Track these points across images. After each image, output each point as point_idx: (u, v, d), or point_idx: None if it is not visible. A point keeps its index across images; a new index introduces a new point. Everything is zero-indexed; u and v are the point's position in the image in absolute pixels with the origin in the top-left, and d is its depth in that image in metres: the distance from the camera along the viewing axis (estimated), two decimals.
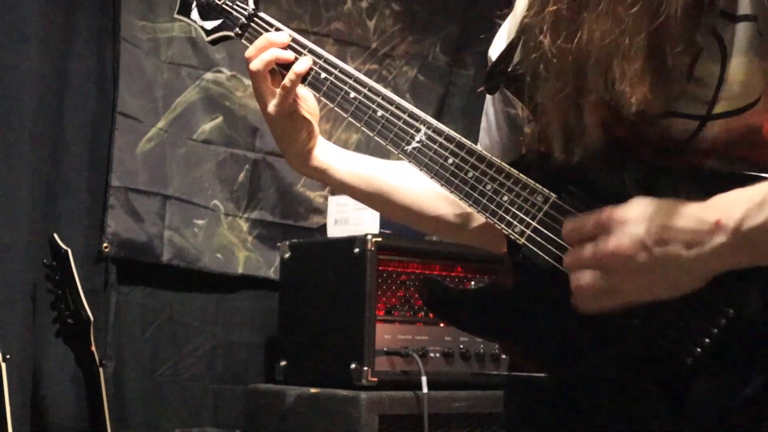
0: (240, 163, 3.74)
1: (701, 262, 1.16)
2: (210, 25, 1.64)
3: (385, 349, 3.15)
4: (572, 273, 1.23)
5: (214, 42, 1.66)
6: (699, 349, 1.19)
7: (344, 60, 4.07)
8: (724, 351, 1.18)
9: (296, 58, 1.53)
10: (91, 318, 2.85)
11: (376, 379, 3.10)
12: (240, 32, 1.60)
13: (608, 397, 1.25)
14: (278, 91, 1.51)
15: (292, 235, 3.71)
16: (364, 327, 3.12)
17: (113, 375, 3.32)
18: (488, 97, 1.58)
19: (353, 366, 3.11)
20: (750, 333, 1.18)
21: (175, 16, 1.68)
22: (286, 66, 1.53)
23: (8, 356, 2.63)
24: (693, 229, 1.15)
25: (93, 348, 2.84)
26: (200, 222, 3.62)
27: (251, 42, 1.57)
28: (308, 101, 1.57)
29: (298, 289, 3.43)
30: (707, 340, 1.19)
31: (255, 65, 1.51)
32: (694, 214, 1.16)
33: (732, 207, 1.15)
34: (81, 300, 2.84)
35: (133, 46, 3.45)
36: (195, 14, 1.65)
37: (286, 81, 1.51)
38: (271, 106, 1.51)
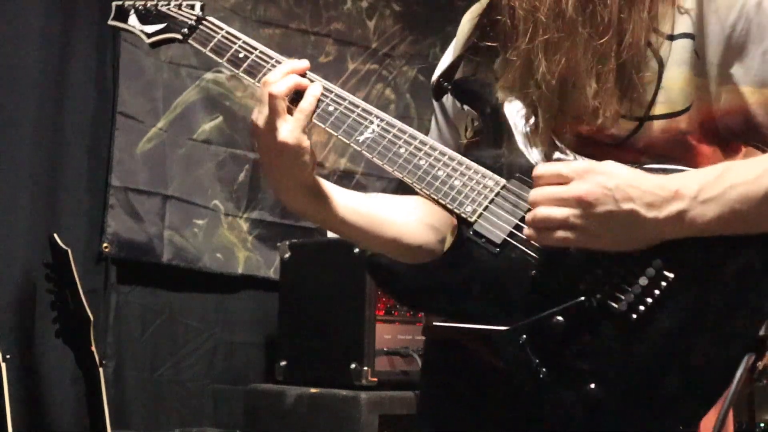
0: (240, 163, 3.74)
1: (656, 224, 1.32)
2: (151, 29, 1.68)
3: (385, 349, 3.15)
4: (539, 205, 1.35)
5: (154, 45, 1.68)
6: (642, 308, 1.33)
7: (344, 60, 4.09)
8: (666, 309, 1.33)
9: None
10: (91, 318, 2.85)
11: (376, 379, 3.10)
12: (188, 33, 1.65)
13: (554, 350, 1.36)
14: (293, 116, 1.51)
15: (292, 235, 3.71)
16: (364, 327, 3.12)
17: (113, 375, 3.33)
18: (436, 107, 1.71)
19: (353, 366, 3.11)
20: (686, 294, 1.33)
21: (110, 23, 1.72)
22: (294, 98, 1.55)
23: (8, 356, 2.63)
24: (655, 193, 1.32)
25: (93, 348, 2.84)
26: (200, 222, 3.62)
27: (199, 42, 1.64)
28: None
29: (298, 289, 3.43)
30: (650, 300, 1.33)
31: (278, 88, 1.50)
32: (657, 182, 1.33)
33: (690, 180, 1.33)
34: (81, 300, 2.85)
35: (133, 46, 3.45)
36: (133, 20, 1.70)
37: (306, 104, 1.52)
38: (286, 132, 1.49)
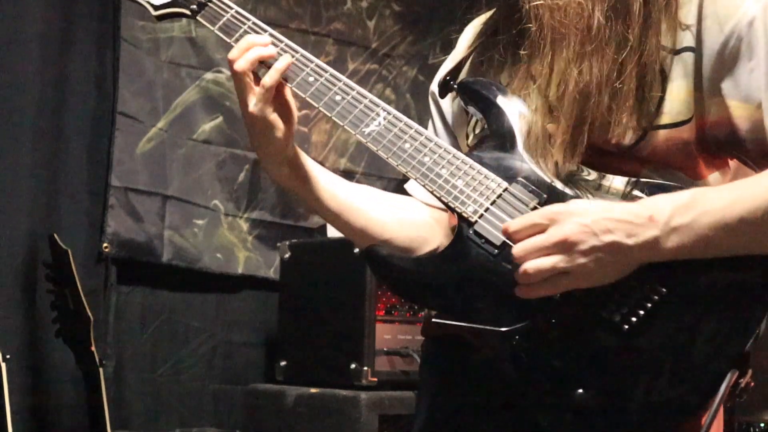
0: (240, 163, 3.74)
1: (637, 250, 1.36)
2: (158, 1, 1.66)
3: (385, 349, 3.15)
4: (525, 259, 1.37)
5: (161, 18, 1.67)
6: (635, 319, 1.37)
7: (344, 60, 4.09)
8: (657, 321, 1.37)
9: (278, 54, 1.57)
10: (91, 318, 2.85)
11: (376, 379, 3.10)
12: (197, 9, 1.64)
13: (546, 354, 1.39)
14: (257, 90, 1.53)
15: (292, 235, 3.71)
16: (364, 327, 3.12)
17: (113, 375, 3.32)
18: (434, 111, 1.75)
19: (353, 366, 3.11)
20: (677, 309, 1.38)
21: None
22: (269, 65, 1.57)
23: (8, 356, 2.63)
24: (630, 221, 1.36)
25: (93, 348, 2.84)
26: (200, 222, 3.62)
27: (208, 20, 1.63)
28: (288, 105, 1.59)
29: (298, 289, 3.43)
30: (642, 312, 1.37)
31: (240, 65, 1.53)
32: (630, 210, 1.37)
33: (662, 206, 1.37)
34: (81, 300, 2.85)
35: (133, 46, 3.45)
36: None
37: (267, 79, 1.53)
38: (252, 105, 1.53)
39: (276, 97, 1.55)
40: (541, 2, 1.47)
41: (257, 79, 1.55)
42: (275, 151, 1.57)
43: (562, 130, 1.45)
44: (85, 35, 3.36)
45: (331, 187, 1.64)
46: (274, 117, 1.54)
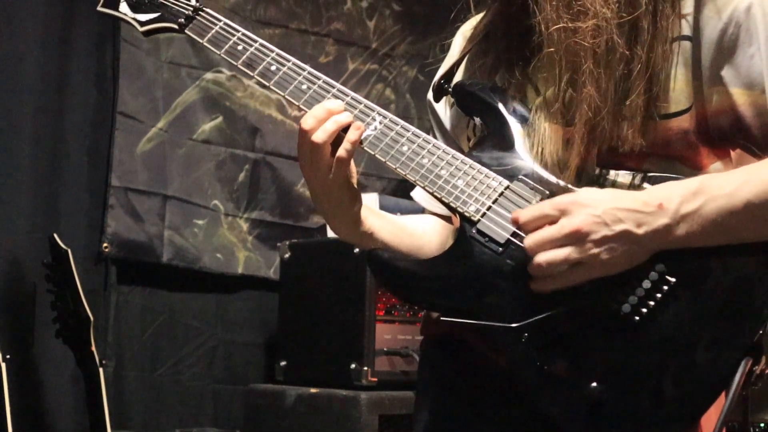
0: (240, 163, 3.74)
1: (649, 238, 1.36)
2: (144, 17, 1.66)
3: (385, 349, 3.15)
4: (538, 252, 1.37)
5: (148, 33, 1.66)
6: (645, 310, 1.37)
7: (344, 60, 4.10)
8: (667, 312, 1.37)
9: (355, 118, 1.52)
10: (91, 318, 2.85)
11: (376, 379, 3.10)
12: (185, 23, 1.62)
13: (557, 349, 1.39)
14: (333, 166, 1.49)
15: (292, 235, 3.71)
16: (364, 327, 3.12)
17: (113, 375, 3.33)
18: (432, 119, 1.76)
19: (353, 366, 3.11)
20: (687, 299, 1.37)
21: (99, 9, 1.68)
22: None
23: (8, 356, 2.63)
24: (640, 210, 1.36)
25: (93, 348, 2.84)
26: (200, 222, 3.62)
27: (196, 33, 1.61)
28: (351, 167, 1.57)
29: (298, 289, 3.43)
30: (652, 303, 1.37)
31: (320, 137, 1.48)
32: (639, 199, 1.37)
33: (671, 194, 1.37)
34: (81, 300, 2.85)
35: (133, 46, 3.45)
36: (124, 7, 1.67)
37: (342, 152, 1.49)
38: (331, 182, 1.50)
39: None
40: (560, 26, 1.45)
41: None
42: (350, 216, 1.57)
43: (576, 152, 1.44)
44: (85, 35, 3.37)
45: (399, 231, 1.65)
46: (350, 182, 1.52)
